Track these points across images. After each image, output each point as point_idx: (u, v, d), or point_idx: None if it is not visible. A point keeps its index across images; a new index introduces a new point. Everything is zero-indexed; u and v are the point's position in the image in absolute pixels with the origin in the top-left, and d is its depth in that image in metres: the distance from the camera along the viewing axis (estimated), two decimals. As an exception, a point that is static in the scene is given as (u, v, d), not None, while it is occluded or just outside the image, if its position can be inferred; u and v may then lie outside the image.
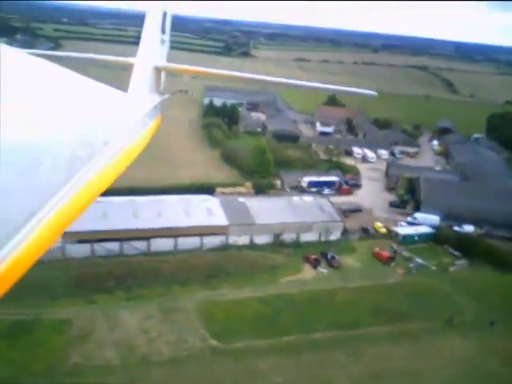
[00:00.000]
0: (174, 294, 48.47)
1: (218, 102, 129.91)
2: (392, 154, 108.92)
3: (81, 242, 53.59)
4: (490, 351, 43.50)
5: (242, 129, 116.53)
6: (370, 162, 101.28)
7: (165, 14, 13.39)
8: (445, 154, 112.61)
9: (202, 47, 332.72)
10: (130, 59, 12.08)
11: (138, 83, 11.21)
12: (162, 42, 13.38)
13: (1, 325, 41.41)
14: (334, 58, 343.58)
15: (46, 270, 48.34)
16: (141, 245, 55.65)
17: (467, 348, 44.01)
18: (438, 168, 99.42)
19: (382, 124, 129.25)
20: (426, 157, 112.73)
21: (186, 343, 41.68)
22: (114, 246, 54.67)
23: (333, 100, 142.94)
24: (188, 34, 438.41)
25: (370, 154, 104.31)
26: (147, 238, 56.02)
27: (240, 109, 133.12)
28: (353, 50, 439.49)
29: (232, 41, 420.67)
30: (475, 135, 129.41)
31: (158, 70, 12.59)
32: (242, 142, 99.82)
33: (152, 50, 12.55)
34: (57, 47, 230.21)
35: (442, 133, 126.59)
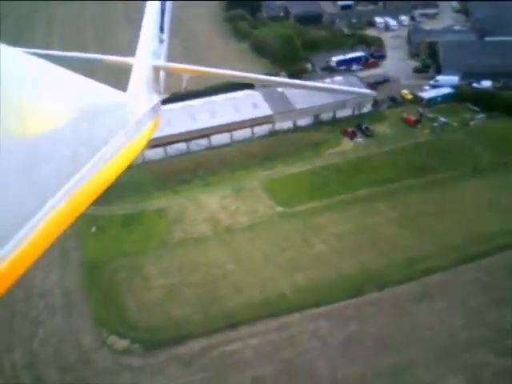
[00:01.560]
0: (239, 177, 59.25)
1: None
2: (412, 18, 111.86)
3: (155, 146, 64.24)
4: (504, 187, 53.40)
5: (264, 14, 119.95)
6: (392, 30, 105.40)
7: (163, 13, 13.21)
8: (464, 10, 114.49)
9: None
10: (128, 59, 11.90)
11: (136, 83, 11.13)
12: (161, 41, 13.15)
13: (116, 219, 53.57)
14: None
15: (134, 173, 60.08)
16: (203, 142, 65.94)
17: (485, 187, 53.89)
18: (456, 27, 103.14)
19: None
20: (446, 16, 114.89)
21: (258, 212, 53.21)
22: (182, 146, 65.16)
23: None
24: None
25: (391, 21, 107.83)
26: (207, 136, 66.11)
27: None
28: None
29: None
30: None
31: (156, 70, 12.42)
32: (268, 30, 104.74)
33: (151, 49, 12.35)
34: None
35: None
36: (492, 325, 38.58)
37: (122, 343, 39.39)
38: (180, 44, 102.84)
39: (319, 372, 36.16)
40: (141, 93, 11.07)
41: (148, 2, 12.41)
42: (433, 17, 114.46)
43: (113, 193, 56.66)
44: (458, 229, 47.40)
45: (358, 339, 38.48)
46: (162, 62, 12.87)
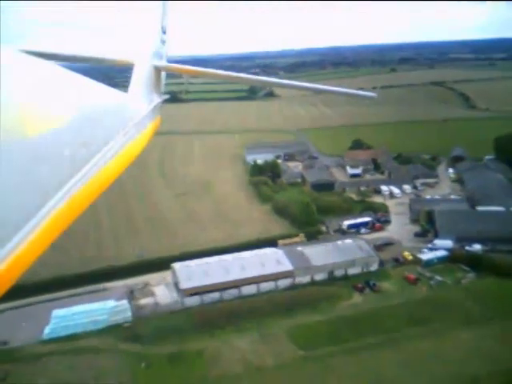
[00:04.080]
0: (265, 324, 69.39)
1: (259, 157, 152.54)
2: (414, 187, 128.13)
3: (192, 294, 75.80)
4: (489, 337, 63.16)
5: (284, 181, 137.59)
6: (396, 198, 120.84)
7: (165, 14, 13.37)
8: (459, 180, 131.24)
9: (227, 93, 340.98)
10: (129, 59, 12.04)
11: (137, 83, 11.19)
12: (162, 41, 13.34)
13: (161, 357, 63.22)
14: (354, 85, 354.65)
15: (175, 317, 71.17)
16: (234, 292, 77.45)
17: (473, 337, 63.77)
18: (452, 196, 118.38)
19: (403, 159, 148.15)
20: (444, 185, 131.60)
21: (282, 355, 62.83)
22: (216, 295, 76.55)
23: (358, 143, 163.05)
24: (210, 80, 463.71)
25: (395, 190, 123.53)
26: (238, 287, 77.82)
27: (279, 161, 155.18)
28: (370, 72, 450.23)
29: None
30: (487, 157, 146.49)
31: (157, 70, 12.51)
32: (287, 194, 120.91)
33: (152, 49, 12.49)
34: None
35: (456, 160, 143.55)
36: None
37: None
38: (212, 204, 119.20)
39: None
40: (142, 93, 11.20)
41: (151, 3, 12.84)
42: (433, 186, 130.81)
43: (159, 334, 67.33)
44: (449, 370, 56.63)
45: None
46: (163, 63, 12.96)
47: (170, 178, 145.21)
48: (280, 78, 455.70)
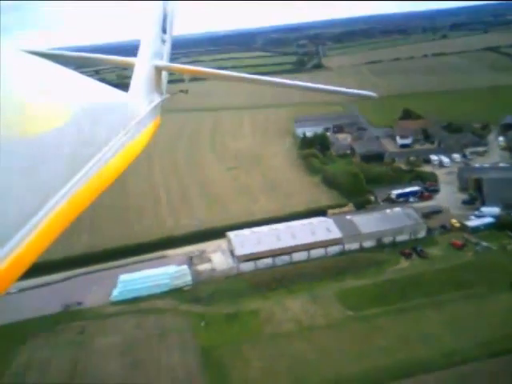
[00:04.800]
0: (315, 287, 73.79)
1: (308, 130, 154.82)
2: (464, 155, 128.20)
3: (247, 260, 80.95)
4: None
5: (333, 153, 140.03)
6: (445, 167, 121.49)
7: (166, 13, 13.50)
8: (509, 149, 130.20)
9: (274, 67, 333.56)
10: (130, 59, 12.19)
11: (138, 83, 11.30)
12: (163, 41, 13.33)
13: (219, 316, 68.73)
14: (404, 54, 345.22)
15: (231, 281, 76.52)
16: (286, 258, 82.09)
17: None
18: (501, 164, 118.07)
19: (453, 128, 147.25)
20: (494, 153, 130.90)
21: (332, 315, 67.20)
22: (268, 261, 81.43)
23: (407, 112, 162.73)
24: (259, 53, 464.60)
25: (444, 159, 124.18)
26: (289, 253, 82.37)
27: (328, 133, 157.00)
28: (421, 39, 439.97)
29: (302, 51, 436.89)
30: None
31: (158, 70, 12.47)
32: (336, 166, 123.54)
33: (153, 49, 12.50)
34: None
35: (506, 129, 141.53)
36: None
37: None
38: (262, 177, 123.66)
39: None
40: (142, 93, 11.27)
41: (150, 3, 12.86)
42: (482, 154, 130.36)
43: (216, 296, 72.78)
44: (491, 331, 59.48)
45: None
46: (163, 63, 12.92)
47: (221, 153, 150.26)
48: (328, 48, 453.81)
